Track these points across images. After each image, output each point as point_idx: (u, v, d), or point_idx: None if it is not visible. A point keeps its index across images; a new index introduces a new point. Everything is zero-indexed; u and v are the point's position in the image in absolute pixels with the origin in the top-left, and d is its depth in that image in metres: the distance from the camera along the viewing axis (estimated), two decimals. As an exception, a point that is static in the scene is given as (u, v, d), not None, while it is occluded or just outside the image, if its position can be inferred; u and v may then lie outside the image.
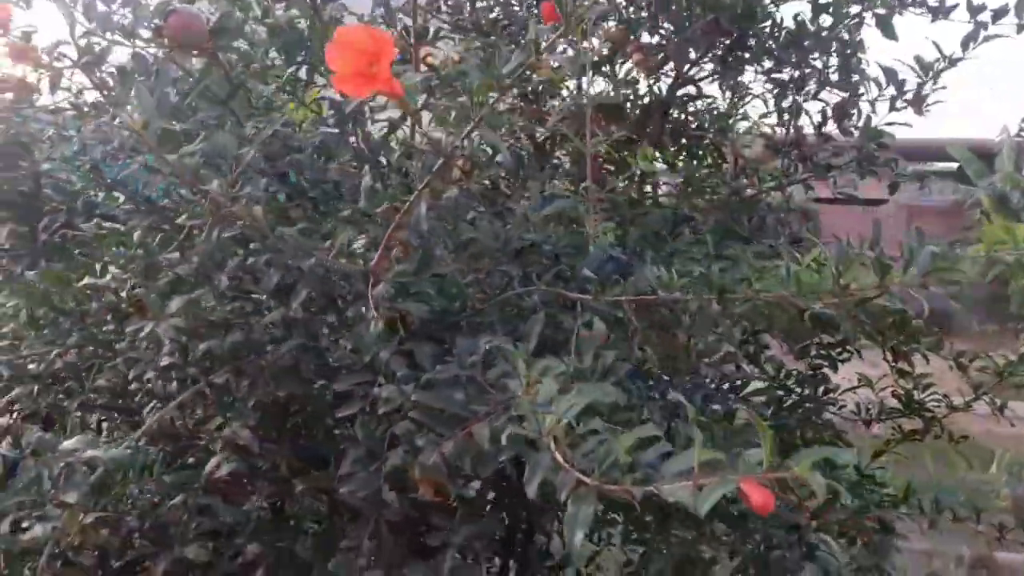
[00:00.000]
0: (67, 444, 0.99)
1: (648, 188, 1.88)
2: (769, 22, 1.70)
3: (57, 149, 1.61)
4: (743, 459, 0.66)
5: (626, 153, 1.55)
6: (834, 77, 1.71)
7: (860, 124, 1.74)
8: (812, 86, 1.95)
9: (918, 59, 1.61)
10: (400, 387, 1.09)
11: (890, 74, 1.63)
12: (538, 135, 2.07)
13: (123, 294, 1.21)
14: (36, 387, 1.34)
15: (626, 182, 1.72)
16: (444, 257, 1.19)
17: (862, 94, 1.76)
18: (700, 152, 2.13)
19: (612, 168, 1.74)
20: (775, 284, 0.98)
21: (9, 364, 1.31)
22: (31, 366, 1.35)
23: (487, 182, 1.80)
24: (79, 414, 1.47)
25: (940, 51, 1.59)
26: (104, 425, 1.48)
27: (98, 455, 0.98)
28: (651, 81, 1.83)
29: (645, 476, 0.71)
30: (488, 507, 1.81)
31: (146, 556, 1.62)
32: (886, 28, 1.70)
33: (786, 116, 1.93)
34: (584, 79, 1.32)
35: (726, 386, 1.83)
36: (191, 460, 1.69)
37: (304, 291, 1.18)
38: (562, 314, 1.16)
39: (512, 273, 1.22)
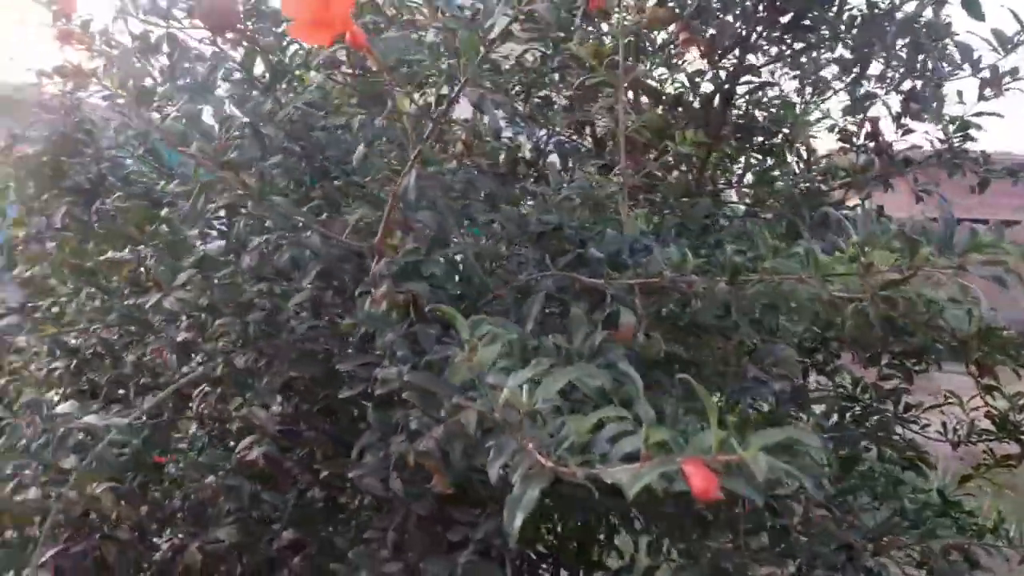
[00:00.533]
0: (61, 408, 1.00)
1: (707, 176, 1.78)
2: (836, 2, 1.58)
3: (120, 136, 1.67)
4: (696, 441, 0.58)
5: (667, 142, 1.47)
6: (904, 58, 1.57)
7: (938, 113, 1.59)
8: (892, 74, 1.81)
9: (996, 33, 1.45)
10: (399, 368, 1.05)
11: (964, 51, 1.48)
12: (598, 130, 2.01)
13: (141, 269, 1.23)
14: (75, 361, 1.38)
15: (679, 171, 1.63)
16: (459, 239, 1.14)
17: (942, 79, 1.61)
18: (770, 147, 2.02)
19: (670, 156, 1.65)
20: (792, 265, 0.89)
21: (53, 338, 1.35)
22: (72, 341, 1.39)
23: (535, 173, 1.75)
24: (121, 391, 1.50)
25: (1020, 21, 1.43)
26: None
27: (94, 422, 0.98)
28: (709, 67, 1.73)
29: (601, 457, 0.64)
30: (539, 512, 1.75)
31: (185, 536, 1.66)
32: (972, 7, 1.55)
33: (862, 106, 1.79)
34: (619, 56, 1.25)
35: (787, 393, 1.71)
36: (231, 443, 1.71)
37: (315, 269, 1.16)
38: (575, 302, 1.09)
39: (528, 257, 1.16)
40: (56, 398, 1.45)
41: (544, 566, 1.97)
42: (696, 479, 0.55)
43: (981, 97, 1.67)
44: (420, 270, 1.15)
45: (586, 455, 0.64)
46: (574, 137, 2.01)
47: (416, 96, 1.08)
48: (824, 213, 1.56)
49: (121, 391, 1.51)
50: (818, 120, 2.11)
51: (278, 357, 1.26)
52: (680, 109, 1.81)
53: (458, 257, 1.20)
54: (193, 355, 1.28)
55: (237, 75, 1.49)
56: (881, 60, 1.78)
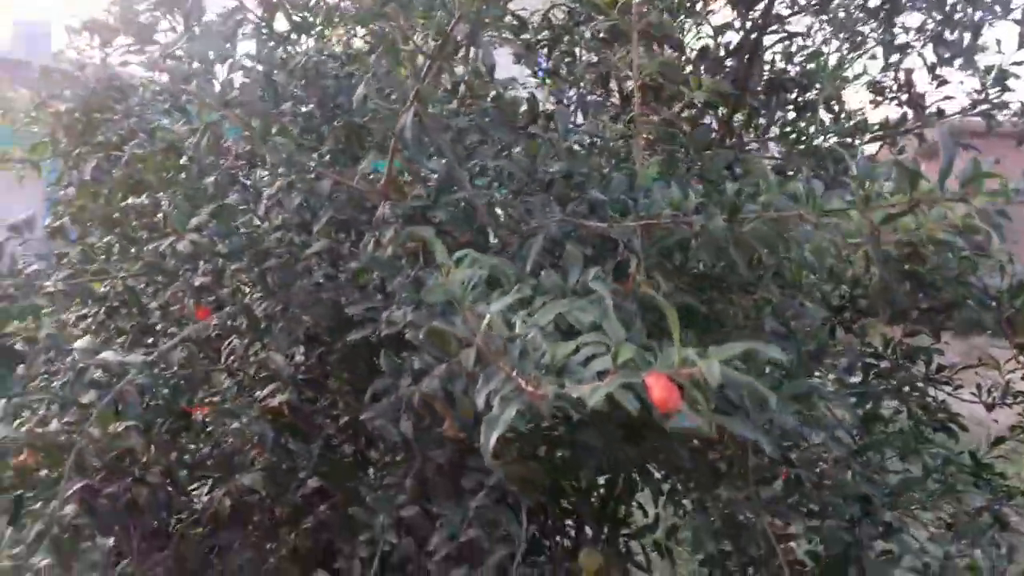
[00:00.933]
0: (79, 344, 1.03)
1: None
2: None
3: (147, 91, 1.71)
4: (661, 358, 0.58)
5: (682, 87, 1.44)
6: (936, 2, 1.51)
7: (970, 58, 1.53)
8: (932, 24, 1.75)
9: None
10: (404, 310, 1.07)
11: (996, -9, 1.42)
12: (624, 88, 1.99)
13: (159, 216, 1.27)
14: (103, 308, 1.43)
15: (702, 124, 1.61)
16: (466, 185, 1.14)
17: (979, 25, 1.55)
18: (804, 104, 1.97)
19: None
20: (787, 200, 0.87)
21: (80, 286, 1.40)
22: (101, 289, 1.43)
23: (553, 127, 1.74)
24: (149, 340, 1.54)
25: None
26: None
27: (110, 358, 1.02)
28: (736, 16, 1.70)
29: (578, 379, 0.65)
30: (556, 466, 1.76)
31: (213, 481, 1.71)
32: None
33: (891, 53, 1.74)
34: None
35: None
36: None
37: (327, 215, 1.18)
38: (578, 246, 1.09)
39: (537, 203, 1.16)
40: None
41: (569, 522, 1.99)
42: (656, 390, 0.55)
43: (1022, 45, 1.60)
44: (427, 216, 1.17)
45: (562, 377, 0.65)
46: (600, 92, 1.99)
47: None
48: (847, 166, 1.53)
49: (149, 339, 1.56)
50: (856, 77, 2.06)
51: (293, 303, 1.29)
52: (706, 61, 1.78)
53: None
54: (217, 305, 1.31)
55: (265, 33, 1.51)
56: (921, 10, 1.72)
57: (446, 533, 1.28)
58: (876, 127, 1.86)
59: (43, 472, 1.39)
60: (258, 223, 1.37)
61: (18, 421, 1.29)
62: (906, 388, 1.69)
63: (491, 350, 0.70)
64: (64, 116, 1.69)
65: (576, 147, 1.24)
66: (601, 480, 1.96)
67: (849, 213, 0.92)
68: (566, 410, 1.29)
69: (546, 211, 1.14)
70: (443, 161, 1.11)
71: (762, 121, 1.77)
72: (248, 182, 1.42)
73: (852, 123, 1.89)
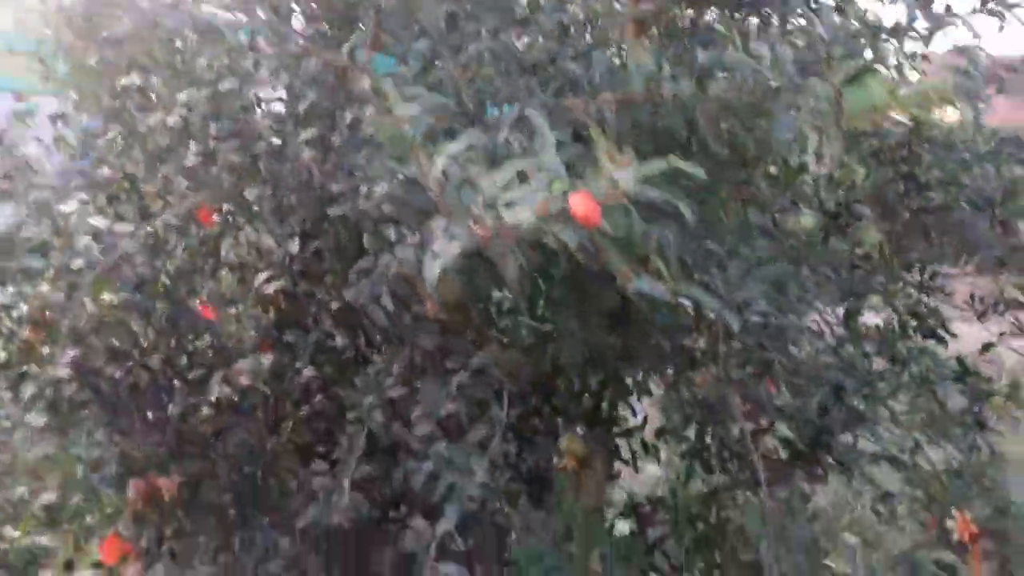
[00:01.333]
0: (67, 208, 1.07)
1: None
2: None
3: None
4: (590, 181, 0.60)
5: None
6: None
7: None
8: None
9: None
10: (383, 184, 1.09)
11: None
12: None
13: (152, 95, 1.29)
14: (105, 195, 1.46)
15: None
16: (448, 65, 1.15)
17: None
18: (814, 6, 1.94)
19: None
20: (749, 60, 0.88)
21: (80, 171, 1.43)
22: (105, 170, 1.46)
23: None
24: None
25: None
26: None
27: (98, 225, 1.06)
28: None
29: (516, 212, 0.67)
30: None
31: (210, 368, 1.77)
32: None
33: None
34: None
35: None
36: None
37: (312, 96, 1.20)
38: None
39: (521, 86, 1.17)
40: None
41: (559, 420, 2.04)
42: (579, 207, 0.58)
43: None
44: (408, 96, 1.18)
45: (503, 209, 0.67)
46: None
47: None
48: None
49: (148, 228, 1.60)
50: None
51: (282, 187, 1.32)
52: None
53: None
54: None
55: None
56: None
57: (428, 408, 1.33)
58: (886, 30, 1.83)
59: (45, 350, 1.46)
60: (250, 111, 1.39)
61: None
62: (892, 287, 1.70)
63: (443, 193, 0.72)
64: (69, 10, 1.70)
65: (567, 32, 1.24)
66: (593, 385, 2.01)
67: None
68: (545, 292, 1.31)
69: (529, 94, 1.15)
70: (427, 40, 1.12)
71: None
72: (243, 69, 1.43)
73: (861, 26, 1.85)
